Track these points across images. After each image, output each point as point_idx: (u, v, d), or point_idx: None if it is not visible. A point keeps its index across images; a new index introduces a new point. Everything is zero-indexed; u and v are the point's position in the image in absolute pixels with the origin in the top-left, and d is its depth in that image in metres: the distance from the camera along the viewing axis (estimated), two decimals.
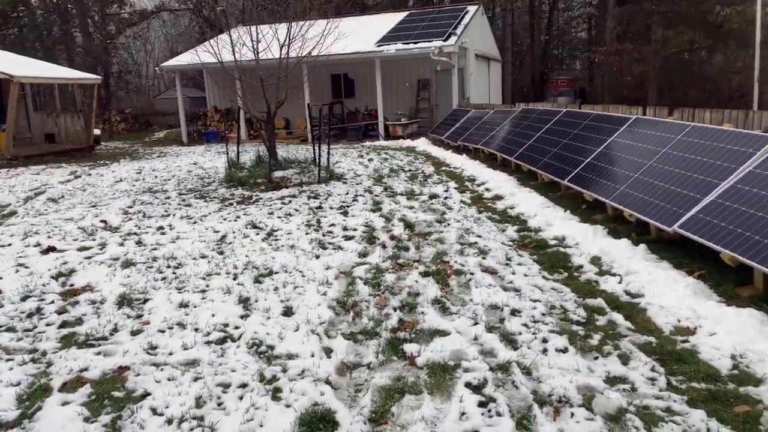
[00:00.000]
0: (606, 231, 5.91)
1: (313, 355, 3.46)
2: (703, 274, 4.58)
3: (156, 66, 30.33)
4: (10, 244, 6.20)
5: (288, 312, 4.13)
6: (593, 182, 6.81)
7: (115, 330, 3.91)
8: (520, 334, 3.69)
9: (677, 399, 2.89)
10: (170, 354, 3.53)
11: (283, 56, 9.56)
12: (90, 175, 11.92)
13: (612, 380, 3.11)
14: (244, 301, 4.34)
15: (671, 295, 4.19)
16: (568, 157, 7.97)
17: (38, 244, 6.10)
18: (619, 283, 4.54)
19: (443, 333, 3.71)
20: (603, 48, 25.86)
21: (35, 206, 8.37)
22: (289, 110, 19.55)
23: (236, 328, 3.90)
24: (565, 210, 6.87)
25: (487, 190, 8.53)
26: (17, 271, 5.24)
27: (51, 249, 5.91)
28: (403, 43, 17.59)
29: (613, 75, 26.62)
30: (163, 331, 3.86)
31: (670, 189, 5.44)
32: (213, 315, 4.09)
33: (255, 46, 9.42)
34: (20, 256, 5.71)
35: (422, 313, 4.04)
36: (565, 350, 3.46)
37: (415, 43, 17.50)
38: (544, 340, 3.58)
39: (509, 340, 3.61)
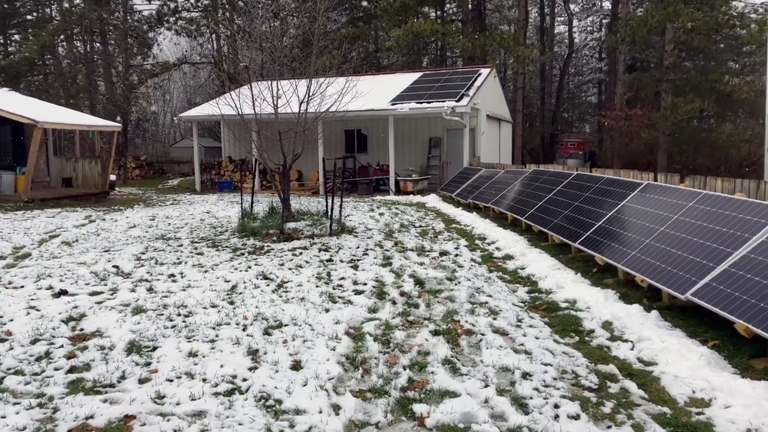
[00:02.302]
0: (617, 295, 5.88)
1: (321, 412, 3.41)
2: (717, 344, 4.53)
3: (174, 116, 31.11)
4: (22, 286, 6.24)
5: (297, 366, 4.10)
6: (604, 246, 6.83)
7: (122, 377, 3.89)
8: (531, 398, 3.63)
9: None
10: (177, 404, 3.50)
11: (301, 112, 9.81)
12: (104, 219, 12.07)
13: None
14: (253, 353, 4.32)
15: (685, 364, 4.13)
16: (579, 219, 8.01)
17: (50, 288, 6.14)
18: (632, 349, 4.49)
19: (453, 394, 3.66)
20: (613, 113, 26.35)
21: (49, 249, 8.46)
22: (303, 163, 19.90)
23: (244, 380, 3.87)
24: (575, 272, 6.86)
25: (498, 249, 8.54)
26: (28, 313, 5.26)
27: (63, 293, 5.94)
28: (417, 102, 18.03)
29: (622, 139, 26.98)
30: (171, 380, 3.84)
31: (682, 256, 5.44)
32: (221, 366, 4.06)
33: (275, 101, 9.69)
34: (32, 299, 5.74)
35: (432, 372, 3.99)
36: (577, 417, 3.39)
37: (429, 102, 17.92)
38: (556, 406, 3.52)
39: (520, 404, 3.55)
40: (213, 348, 4.41)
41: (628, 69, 29.95)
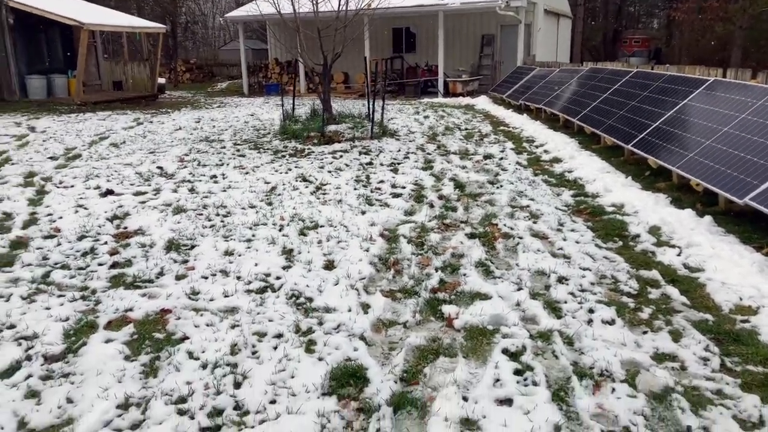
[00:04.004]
0: (669, 200, 5.57)
1: (350, 310, 3.43)
2: None
3: (220, 17, 30.57)
4: (72, 186, 6.45)
5: (329, 266, 4.11)
6: (660, 148, 6.41)
7: (161, 273, 4.01)
8: (565, 302, 3.53)
9: (730, 382, 2.70)
10: (211, 300, 3.58)
11: (341, 6, 9.34)
12: (152, 122, 12.24)
13: (660, 357, 2.94)
14: (288, 253, 4.35)
15: (735, 271, 3.91)
16: (634, 120, 7.52)
17: (98, 187, 6.32)
18: (678, 255, 4.28)
19: (484, 296, 3.60)
20: (685, 5, 24.15)
21: (98, 150, 8.67)
22: (349, 64, 19.39)
23: (277, 278, 3.92)
24: (626, 176, 6.52)
25: (546, 152, 8.20)
26: (76, 212, 5.45)
27: (109, 192, 6.11)
28: None
29: (693, 35, 24.92)
30: (207, 278, 3.92)
31: (745, 158, 5.03)
32: (256, 264, 4.12)
33: None
34: (80, 198, 5.93)
35: (464, 275, 3.93)
36: (612, 322, 3.29)
37: None
38: (591, 311, 3.41)
39: (553, 308, 3.46)
40: (249, 247, 4.46)
41: None
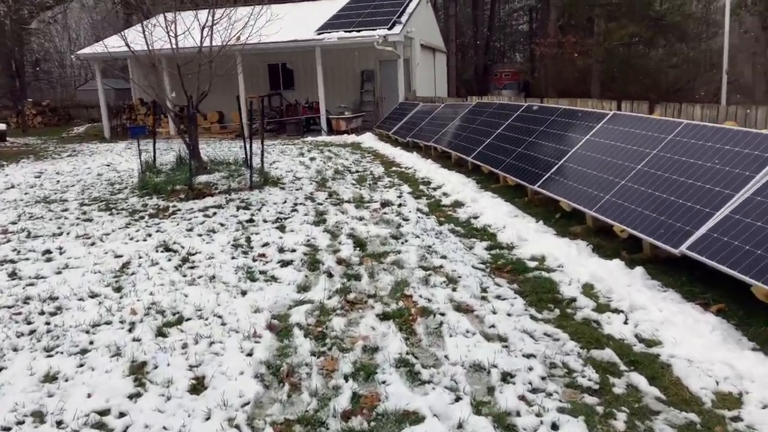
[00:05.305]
0: (590, 248, 5.03)
1: None
2: (723, 309, 3.75)
3: (72, 54, 27.92)
4: None
5: (198, 386, 2.98)
6: (569, 189, 5.93)
7: None
8: (518, 414, 2.69)
9: None
10: None
11: (204, 41, 8.20)
12: None
13: None
14: (138, 369, 3.15)
15: (696, 342, 3.30)
16: (535, 158, 7.08)
17: None
18: (626, 323, 3.63)
19: (415, 418, 2.67)
20: (546, 40, 25.53)
21: None
22: (224, 103, 18.08)
23: (120, 416, 2.73)
24: (536, 220, 5.98)
25: (445, 194, 7.54)
26: None
27: None
28: (346, 31, 16.42)
29: (556, 68, 26.35)
30: (8, 430, 2.63)
31: (668, 200, 4.58)
32: (89, 395, 2.89)
33: (169, 29, 8.03)
34: None
35: (384, 382, 2.97)
36: None
37: (358, 31, 16.36)
38: (554, 426, 2.59)
39: (506, 426, 2.60)
40: (82, 365, 3.21)
41: None
